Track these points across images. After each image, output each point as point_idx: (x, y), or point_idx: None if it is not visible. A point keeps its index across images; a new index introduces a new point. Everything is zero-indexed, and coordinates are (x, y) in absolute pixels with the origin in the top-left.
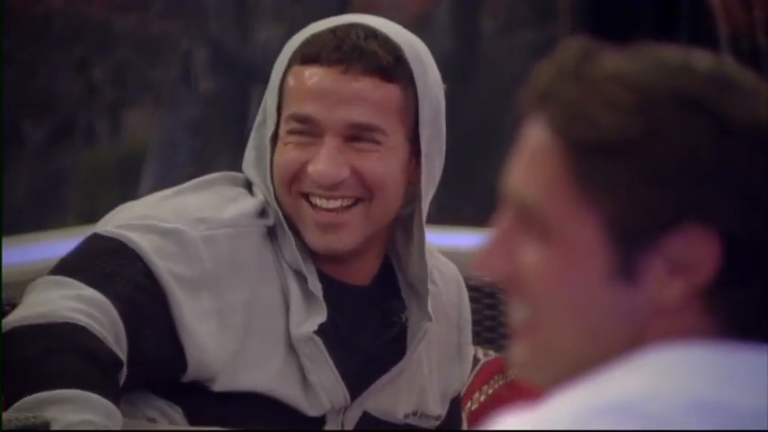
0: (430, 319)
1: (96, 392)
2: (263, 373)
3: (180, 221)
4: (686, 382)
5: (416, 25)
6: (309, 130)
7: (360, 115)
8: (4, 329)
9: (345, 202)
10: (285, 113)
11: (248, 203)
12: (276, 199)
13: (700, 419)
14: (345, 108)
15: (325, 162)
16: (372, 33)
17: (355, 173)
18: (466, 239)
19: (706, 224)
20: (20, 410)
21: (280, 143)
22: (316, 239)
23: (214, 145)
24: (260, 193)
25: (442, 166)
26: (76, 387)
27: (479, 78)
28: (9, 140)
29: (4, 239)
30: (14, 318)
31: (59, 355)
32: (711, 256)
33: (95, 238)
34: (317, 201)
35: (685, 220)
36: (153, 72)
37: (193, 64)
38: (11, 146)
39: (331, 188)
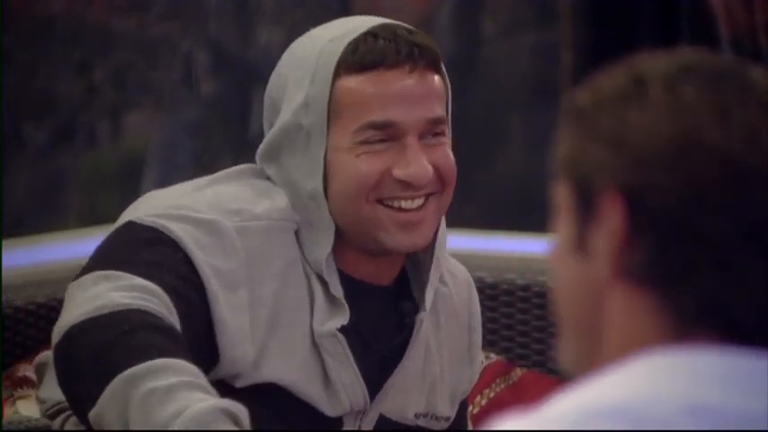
0: (424, 309)
1: (180, 358)
2: (288, 365)
3: (215, 212)
4: (684, 385)
5: (418, 27)
6: (388, 135)
7: (435, 110)
8: (63, 330)
9: (423, 200)
10: (353, 125)
11: (278, 198)
12: (329, 211)
13: (697, 422)
14: (422, 106)
15: (416, 164)
16: (409, 29)
17: (435, 168)
18: (467, 242)
19: (613, 185)
20: (108, 398)
21: (345, 156)
22: (400, 240)
23: (215, 147)
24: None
25: None
26: (161, 357)
27: (480, 80)
28: (9, 142)
29: (4, 242)
30: (73, 316)
31: (135, 335)
32: (617, 212)
33: (132, 226)
34: (402, 203)
35: (607, 182)
36: (153, 74)
37: (194, 66)
38: (11, 147)
39: (419, 187)
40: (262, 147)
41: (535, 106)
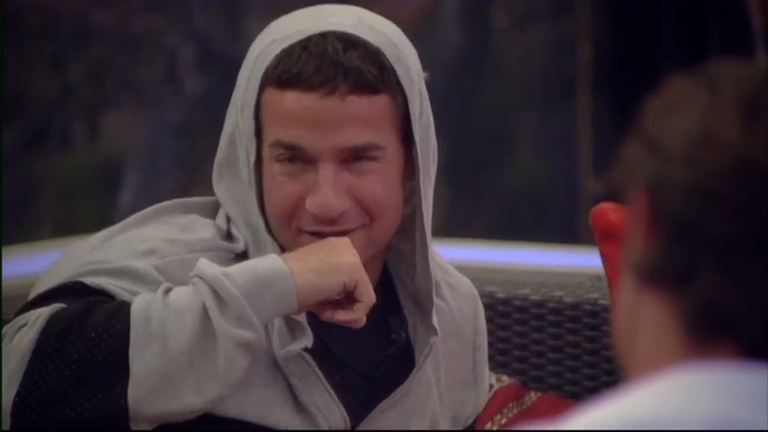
0: (435, 333)
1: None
2: (245, 397)
3: (127, 258)
4: (712, 401)
5: (423, 18)
6: (299, 156)
7: (353, 138)
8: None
9: (347, 227)
10: (269, 139)
11: (201, 231)
12: (268, 229)
13: None
14: (336, 133)
15: (323, 195)
16: (350, 42)
17: (356, 200)
18: (476, 254)
19: (641, 182)
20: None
21: (266, 172)
22: None
23: (201, 150)
24: (223, 219)
25: (436, 158)
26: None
27: (491, 77)
28: None
29: None
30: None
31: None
32: (643, 210)
33: (35, 302)
34: (319, 232)
35: (638, 180)
36: (134, 71)
37: (178, 62)
38: None
39: (332, 221)
40: (215, 162)
41: (550, 105)
